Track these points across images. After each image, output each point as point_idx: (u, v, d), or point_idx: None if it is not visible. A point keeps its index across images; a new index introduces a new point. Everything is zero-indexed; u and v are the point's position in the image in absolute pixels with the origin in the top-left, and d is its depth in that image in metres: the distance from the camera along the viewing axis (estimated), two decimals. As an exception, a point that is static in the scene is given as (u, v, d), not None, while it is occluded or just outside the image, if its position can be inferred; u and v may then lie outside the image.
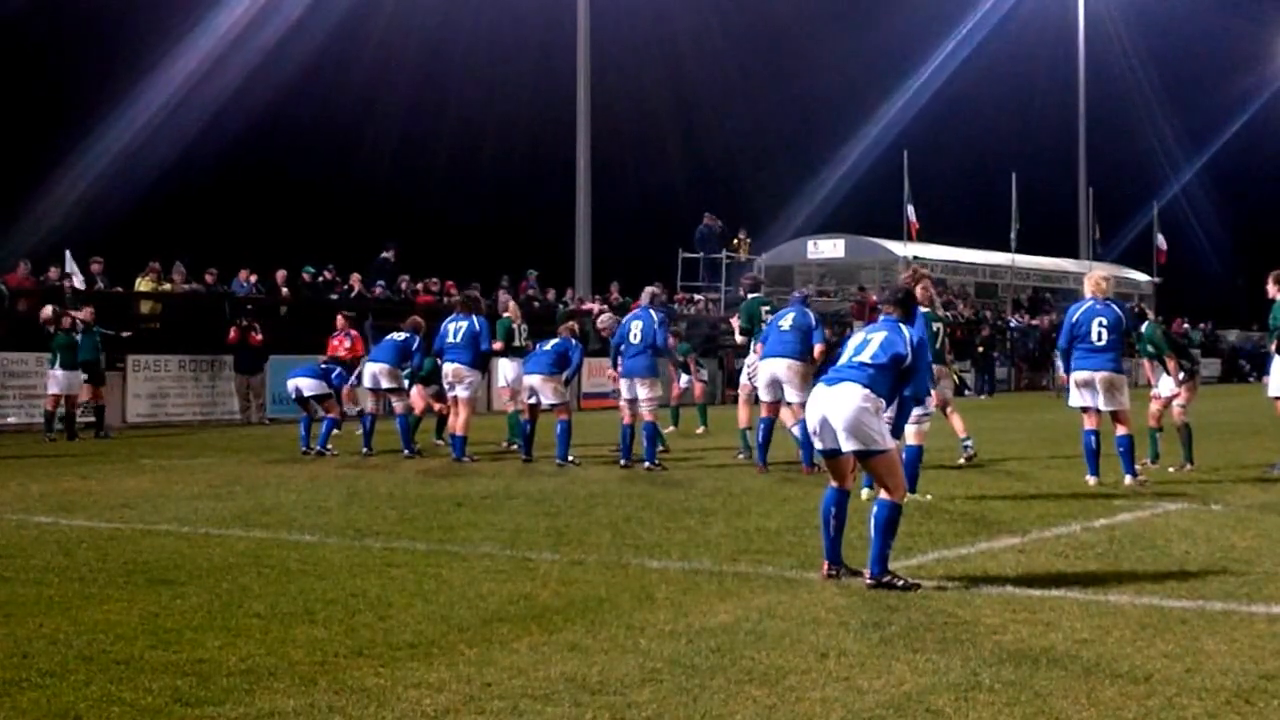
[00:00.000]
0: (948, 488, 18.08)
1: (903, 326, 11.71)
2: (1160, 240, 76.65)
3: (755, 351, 21.80)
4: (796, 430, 20.56)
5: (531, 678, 8.28)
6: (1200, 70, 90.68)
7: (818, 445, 11.56)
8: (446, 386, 23.67)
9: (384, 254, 43.73)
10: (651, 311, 22.53)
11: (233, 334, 34.57)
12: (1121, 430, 18.45)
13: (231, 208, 53.19)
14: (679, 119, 74.20)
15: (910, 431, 16.48)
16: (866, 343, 11.60)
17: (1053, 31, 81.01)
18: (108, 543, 13.73)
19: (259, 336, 34.67)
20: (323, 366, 25.74)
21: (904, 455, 16.31)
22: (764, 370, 20.84)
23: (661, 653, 8.87)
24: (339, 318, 30.77)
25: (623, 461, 21.92)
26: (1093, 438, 18.68)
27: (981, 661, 8.64)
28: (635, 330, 22.16)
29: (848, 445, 11.24)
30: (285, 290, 39.31)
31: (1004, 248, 68.59)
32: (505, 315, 25.16)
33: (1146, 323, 22.67)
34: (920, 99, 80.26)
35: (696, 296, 55.25)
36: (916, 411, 16.36)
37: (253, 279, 38.49)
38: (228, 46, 54.16)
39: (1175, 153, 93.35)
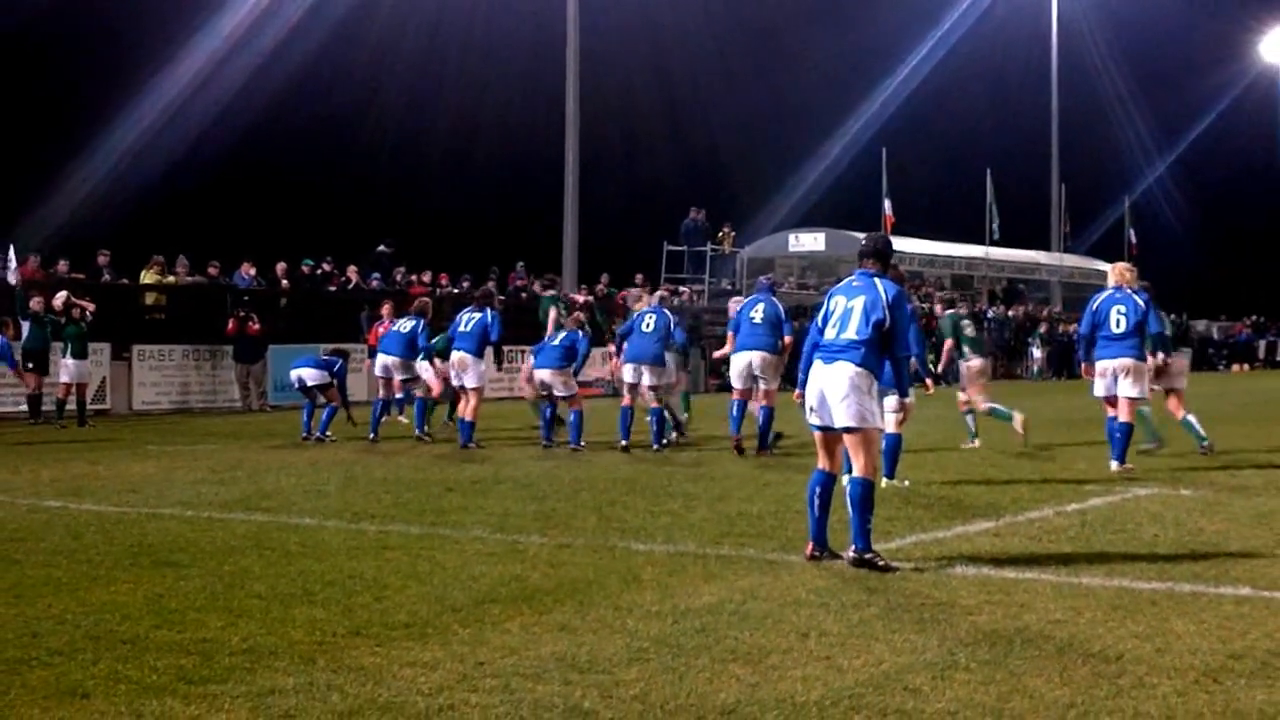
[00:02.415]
0: (925, 473, 18.22)
1: (878, 283, 11.96)
2: (1131, 234, 76.89)
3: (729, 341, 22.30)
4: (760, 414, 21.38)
5: (523, 657, 8.39)
6: (1170, 67, 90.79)
7: (814, 421, 11.86)
8: (453, 376, 23.93)
9: (380, 247, 43.96)
10: (666, 311, 23.30)
11: (231, 325, 34.79)
12: (1123, 417, 18.62)
13: (233, 203, 53.22)
14: (664, 115, 74.10)
15: (890, 420, 16.74)
16: (849, 313, 11.84)
17: (1027, 31, 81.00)
18: (114, 526, 13.88)
19: (257, 326, 34.84)
20: (325, 358, 25.91)
21: (884, 442, 16.59)
22: (739, 360, 21.39)
23: (648, 633, 9.01)
24: (385, 306, 30.78)
25: (623, 443, 22.29)
26: (1112, 425, 18.85)
27: (958, 641, 8.76)
28: (649, 321, 22.82)
29: (842, 421, 11.63)
30: (285, 282, 39.50)
31: (980, 241, 68.83)
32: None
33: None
34: (899, 97, 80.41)
35: (681, 288, 55.41)
36: (894, 402, 16.68)
37: (253, 271, 38.67)
38: (229, 48, 54.20)
39: (1146, 147, 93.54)
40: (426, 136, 63.34)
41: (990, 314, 65.26)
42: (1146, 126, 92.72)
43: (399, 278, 42.97)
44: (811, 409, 11.85)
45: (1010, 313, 66.33)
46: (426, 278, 43.50)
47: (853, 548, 11.42)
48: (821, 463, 11.91)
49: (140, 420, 30.92)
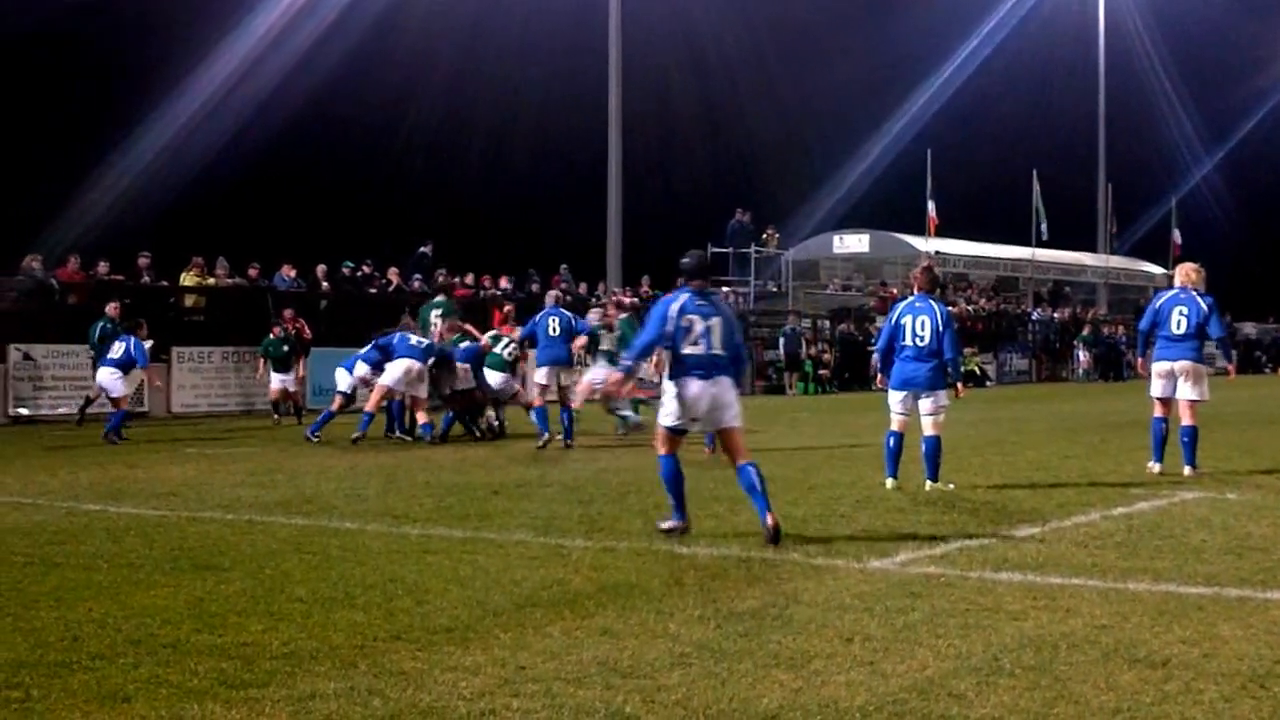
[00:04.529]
0: (969, 477, 18.16)
1: (719, 302, 13.80)
2: (1176, 235, 76.67)
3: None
4: None
5: (564, 661, 8.39)
6: (1217, 66, 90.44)
7: (693, 428, 13.61)
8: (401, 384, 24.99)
9: (422, 249, 44.11)
10: (561, 310, 24.75)
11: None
12: (1189, 420, 18.53)
13: (272, 205, 53.43)
14: (708, 116, 74.24)
15: (928, 423, 16.80)
16: (710, 331, 13.33)
17: (1073, 30, 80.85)
18: (154, 529, 13.96)
19: (309, 335, 34.84)
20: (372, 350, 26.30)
21: (924, 446, 16.69)
22: None
23: (690, 637, 8.99)
24: (498, 311, 31.04)
25: (542, 441, 23.32)
26: (1162, 425, 18.75)
27: (1002, 647, 8.72)
28: (554, 325, 24.32)
29: (733, 424, 13.36)
30: (325, 284, 39.64)
31: (1025, 242, 68.65)
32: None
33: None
34: (943, 97, 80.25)
35: (725, 289, 55.51)
36: (932, 404, 16.75)
37: (293, 273, 38.81)
38: (266, 47, 54.42)
39: (1193, 147, 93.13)
40: (467, 137, 63.53)
41: (1035, 315, 65.21)
42: (1193, 126, 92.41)
43: (440, 280, 43.04)
44: (695, 418, 13.37)
45: (1055, 315, 66.21)
46: (469, 280, 43.58)
47: (771, 517, 12.85)
48: (671, 450, 13.42)
49: (179, 423, 30.97)
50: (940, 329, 16.90)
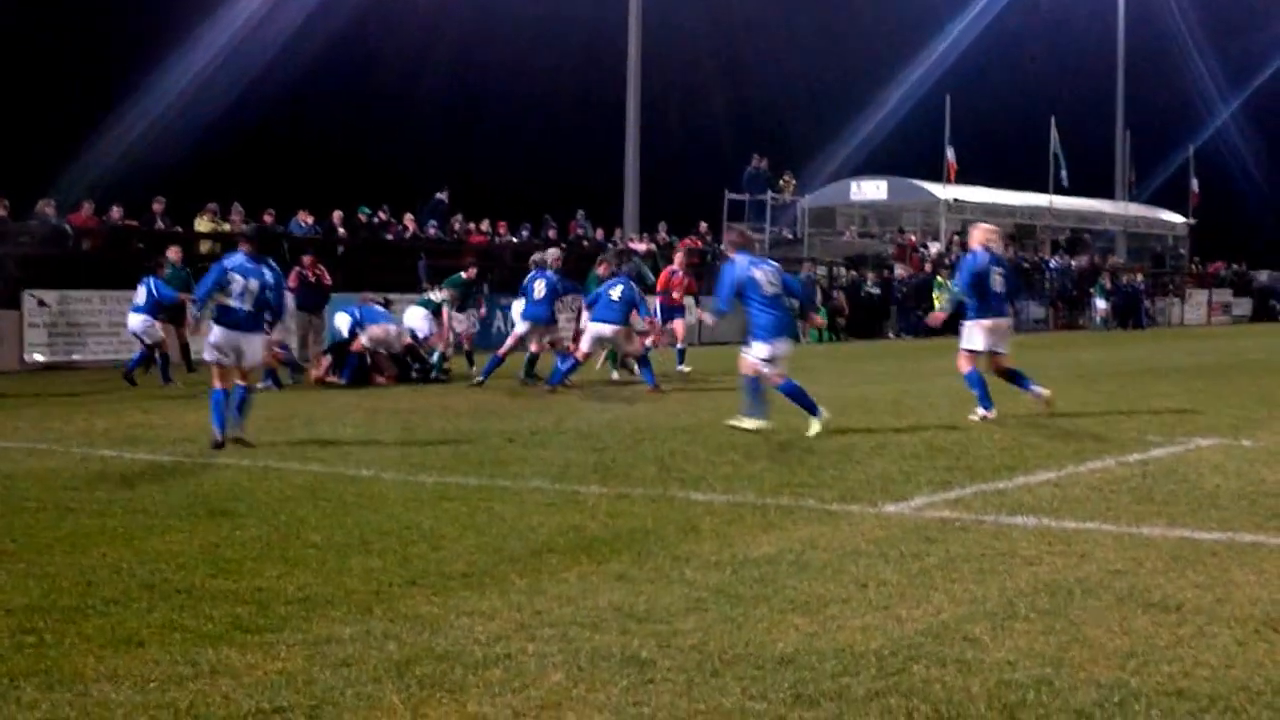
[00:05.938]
0: (985, 423, 18.23)
1: (268, 265, 16.81)
2: (1194, 184, 76.35)
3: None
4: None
5: (580, 606, 8.40)
6: (1238, 12, 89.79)
7: (228, 362, 16.38)
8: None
9: (438, 195, 44.01)
10: (549, 273, 25.75)
11: (292, 278, 34.50)
12: (1008, 365, 19.33)
13: (287, 153, 53.23)
14: (725, 61, 73.83)
15: (784, 367, 17.27)
16: (246, 289, 16.45)
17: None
18: (169, 475, 14.00)
19: (329, 280, 34.58)
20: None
21: (789, 388, 17.22)
22: (597, 329, 24.40)
23: (706, 582, 9.01)
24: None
25: (481, 379, 25.42)
26: (980, 374, 19.12)
27: (1018, 591, 8.75)
28: (540, 288, 25.65)
29: (252, 363, 16.84)
30: (342, 231, 39.56)
31: (1043, 189, 68.31)
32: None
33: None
34: (962, 43, 79.71)
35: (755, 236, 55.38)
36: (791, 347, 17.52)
37: (310, 220, 38.72)
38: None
39: (1213, 95, 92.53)
40: (485, 82, 63.23)
41: (1053, 264, 65.05)
42: (1212, 73, 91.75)
43: (456, 226, 42.99)
44: (224, 359, 16.39)
45: (1073, 263, 66.00)
46: (485, 226, 43.50)
47: (228, 434, 16.07)
48: (227, 384, 16.31)
49: (193, 369, 30.82)
50: (784, 275, 17.69)
